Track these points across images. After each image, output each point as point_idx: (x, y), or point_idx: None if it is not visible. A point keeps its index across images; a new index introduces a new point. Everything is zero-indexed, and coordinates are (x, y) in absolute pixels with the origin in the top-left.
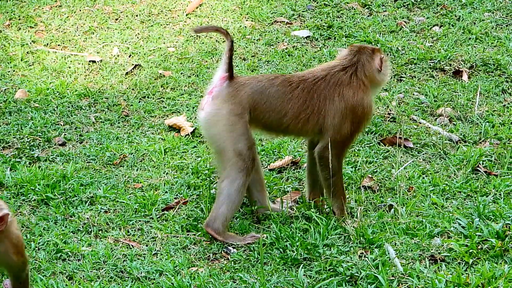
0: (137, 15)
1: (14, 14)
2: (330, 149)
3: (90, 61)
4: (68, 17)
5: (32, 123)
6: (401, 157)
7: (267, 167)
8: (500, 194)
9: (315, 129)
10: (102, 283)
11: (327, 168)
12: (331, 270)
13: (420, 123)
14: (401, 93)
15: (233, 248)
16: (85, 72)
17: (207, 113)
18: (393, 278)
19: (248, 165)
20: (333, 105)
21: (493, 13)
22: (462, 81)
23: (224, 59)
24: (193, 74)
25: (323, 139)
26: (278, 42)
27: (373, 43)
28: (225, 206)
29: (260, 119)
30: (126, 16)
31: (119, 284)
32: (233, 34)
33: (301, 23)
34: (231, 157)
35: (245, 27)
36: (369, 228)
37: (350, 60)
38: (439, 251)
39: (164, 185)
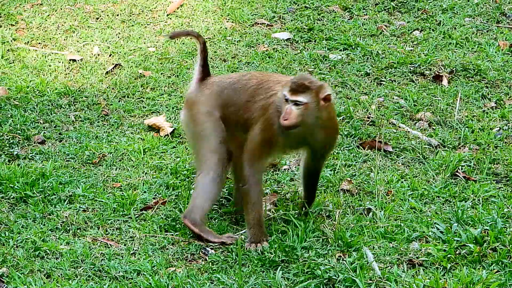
0: (118, 15)
1: None
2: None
3: (70, 59)
4: (49, 15)
5: (12, 120)
6: (380, 161)
7: None
8: (478, 200)
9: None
10: (80, 281)
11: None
12: (309, 272)
13: (399, 127)
14: (380, 97)
15: (211, 249)
16: (65, 70)
17: (183, 113)
18: (371, 282)
19: (223, 158)
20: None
21: (473, 18)
22: (442, 86)
23: (198, 61)
24: (173, 75)
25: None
26: (259, 44)
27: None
28: (200, 197)
29: (228, 116)
30: (107, 15)
31: (96, 283)
32: (214, 35)
33: (281, 26)
34: (204, 153)
35: (226, 28)
36: (347, 231)
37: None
38: (417, 256)
39: (143, 185)
